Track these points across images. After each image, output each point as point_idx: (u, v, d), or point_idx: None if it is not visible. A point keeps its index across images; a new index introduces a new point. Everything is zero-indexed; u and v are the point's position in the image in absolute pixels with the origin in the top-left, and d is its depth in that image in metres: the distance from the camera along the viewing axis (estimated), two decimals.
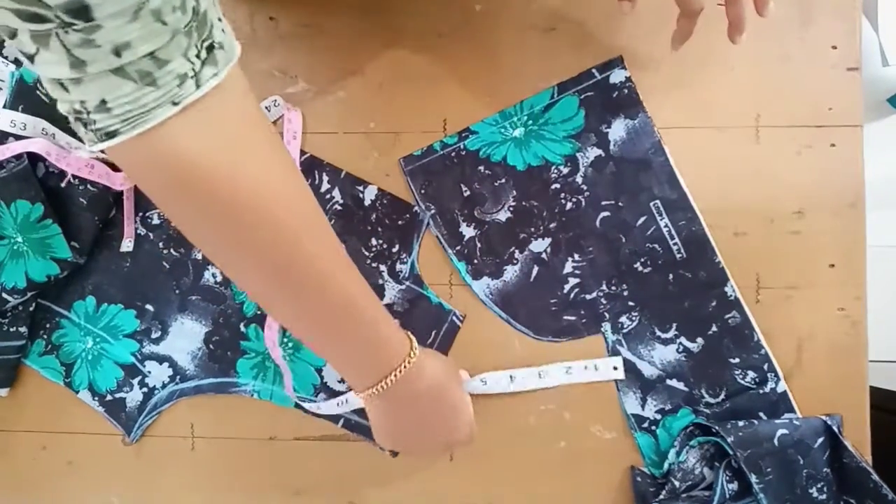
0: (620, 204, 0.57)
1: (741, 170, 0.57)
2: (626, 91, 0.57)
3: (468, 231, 0.58)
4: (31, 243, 0.54)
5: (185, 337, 0.59)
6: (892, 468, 0.55)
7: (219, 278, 0.59)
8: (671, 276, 0.57)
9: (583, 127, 0.57)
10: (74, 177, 0.54)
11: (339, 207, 0.58)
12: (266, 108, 0.57)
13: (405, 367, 0.45)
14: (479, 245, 0.58)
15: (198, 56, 0.33)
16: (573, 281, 0.57)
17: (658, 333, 0.57)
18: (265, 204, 0.36)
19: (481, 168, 0.58)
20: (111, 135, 0.32)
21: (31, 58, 0.30)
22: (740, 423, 0.53)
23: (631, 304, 0.57)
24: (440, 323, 0.58)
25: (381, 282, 0.58)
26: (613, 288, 0.57)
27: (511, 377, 0.56)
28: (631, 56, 0.57)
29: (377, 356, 0.45)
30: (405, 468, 0.58)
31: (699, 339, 0.57)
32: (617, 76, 0.57)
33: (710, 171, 0.57)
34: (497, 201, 0.58)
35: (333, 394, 0.58)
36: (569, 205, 0.57)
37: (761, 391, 0.56)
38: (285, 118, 0.57)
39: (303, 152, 0.58)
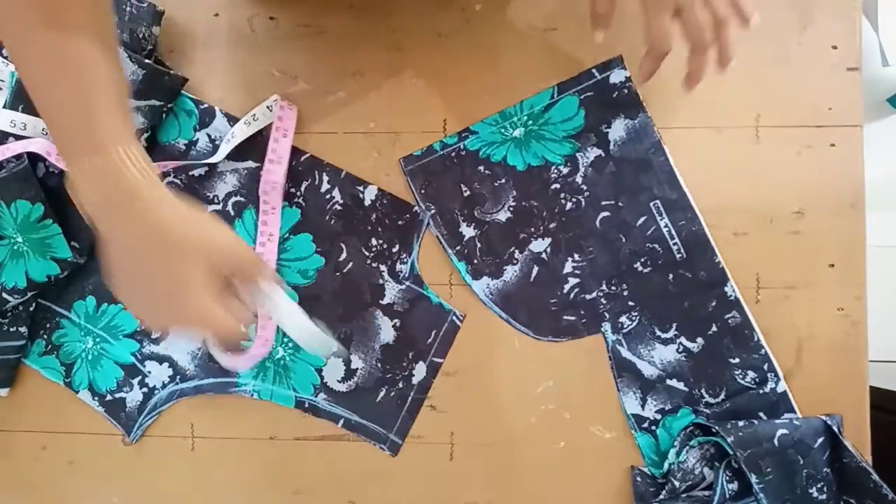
0: (620, 204, 0.57)
1: (741, 170, 0.57)
2: (626, 91, 0.57)
3: (468, 231, 0.58)
4: (32, 243, 0.54)
5: (185, 337, 0.59)
6: (892, 468, 0.55)
7: None
8: (671, 276, 0.57)
9: (583, 127, 0.57)
10: None
11: (339, 207, 0.58)
12: (268, 107, 0.57)
13: (121, 157, 0.35)
14: (479, 245, 0.58)
15: None
16: (573, 281, 0.57)
17: (658, 333, 0.57)
18: None
19: (481, 168, 0.58)
20: None
21: None
22: (740, 423, 0.53)
23: (631, 304, 0.57)
24: (440, 323, 0.58)
25: (381, 281, 0.58)
26: (613, 288, 0.57)
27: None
28: (631, 56, 0.57)
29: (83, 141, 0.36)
30: (405, 468, 0.58)
31: (699, 339, 0.57)
32: (617, 76, 0.57)
33: (710, 171, 0.57)
34: (497, 201, 0.58)
35: (333, 394, 0.58)
36: (569, 205, 0.57)
37: (761, 391, 0.56)
38: (275, 115, 0.57)
39: (303, 152, 0.58)
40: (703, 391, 0.56)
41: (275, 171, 0.57)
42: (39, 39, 0.35)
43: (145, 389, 0.60)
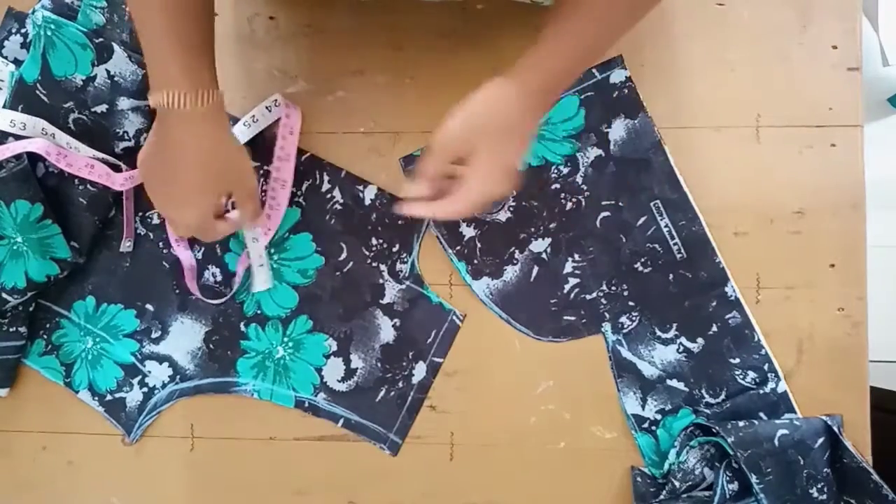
0: (621, 204, 0.57)
1: (741, 170, 0.56)
2: (626, 91, 0.57)
3: (468, 231, 0.58)
4: (31, 243, 0.54)
5: (185, 336, 0.59)
6: (892, 468, 0.55)
7: (219, 278, 0.59)
8: (671, 276, 0.57)
9: (583, 127, 0.57)
10: (74, 177, 0.54)
11: (339, 207, 0.58)
12: (266, 108, 0.57)
13: (168, 100, 0.43)
14: (479, 245, 0.58)
15: None
16: (573, 281, 0.57)
17: (658, 333, 0.57)
18: None
19: None
20: None
21: None
22: (740, 424, 0.53)
23: (631, 304, 0.57)
24: (440, 323, 0.58)
25: (381, 281, 0.58)
26: (613, 288, 0.57)
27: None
28: (631, 56, 0.57)
29: (153, 74, 0.44)
30: (405, 468, 0.58)
31: (699, 340, 0.56)
32: (617, 76, 0.57)
33: (711, 171, 0.57)
34: (497, 201, 0.58)
35: (333, 394, 0.58)
36: (569, 205, 0.57)
37: (761, 391, 0.56)
38: (283, 113, 0.57)
39: (303, 151, 0.58)
40: (703, 391, 0.56)
41: (284, 169, 0.57)
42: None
43: (145, 389, 0.60)
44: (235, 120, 0.58)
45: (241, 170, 0.49)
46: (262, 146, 0.58)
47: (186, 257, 0.58)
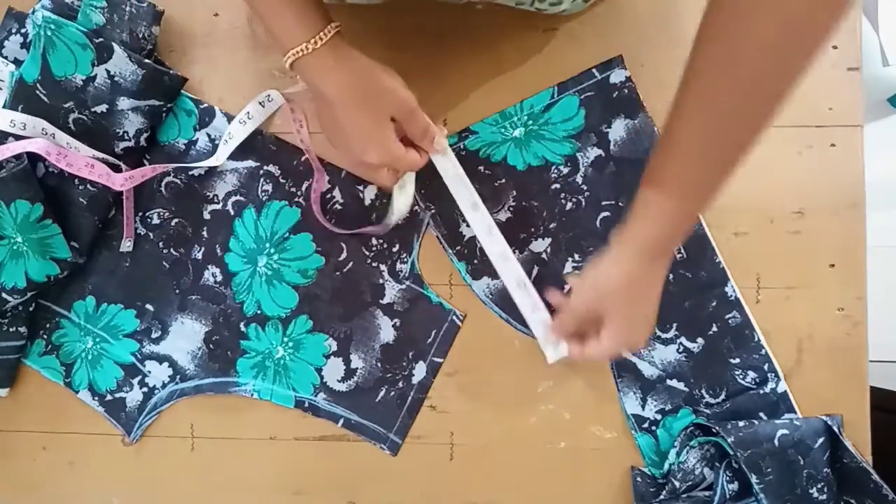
0: (620, 204, 0.57)
1: (741, 169, 0.56)
2: (626, 91, 0.57)
3: (468, 231, 0.58)
4: (31, 243, 0.54)
5: (185, 336, 0.59)
6: (892, 468, 0.55)
7: (219, 278, 0.59)
8: (671, 276, 0.56)
9: (583, 127, 0.57)
10: (74, 177, 0.54)
11: (339, 207, 0.58)
12: (260, 103, 0.57)
13: (295, 56, 0.45)
14: (479, 245, 0.58)
15: None
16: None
17: (658, 333, 0.57)
18: None
19: (481, 168, 0.58)
20: None
21: None
22: (740, 424, 0.53)
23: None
24: (440, 322, 0.58)
25: (381, 281, 0.58)
26: None
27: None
28: (631, 56, 0.57)
29: (276, 33, 0.46)
30: (405, 468, 0.58)
31: (699, 340, 0.56)
32: (617, 76, 0.57)
33: None
34: (497, 201, 0.58)
35: (333, 394, 0.58)
36: (569, 205, 0.57)
37: (761, 391, 0.56)
38: (286, 108, 0.57)
39: (303, 152, 0.58)
40: (703, 391, 0.56)
41: (312, 157, 0.58)
42: None
43: (145, 389, 0.60)
44: (230, 118, 0.58)
45: (390, 89, 0.48)
46: (261, 146, 0.59)
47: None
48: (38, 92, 0.53)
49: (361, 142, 0.48)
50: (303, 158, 0.58)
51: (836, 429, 0.54)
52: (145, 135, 0.57)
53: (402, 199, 0.53)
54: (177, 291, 0.59)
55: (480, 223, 0.54)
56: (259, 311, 0.59)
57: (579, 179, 0.57)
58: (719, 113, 0.39)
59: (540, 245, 0.57)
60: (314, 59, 0.45)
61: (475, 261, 0.58)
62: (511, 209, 0.58)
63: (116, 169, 0.56)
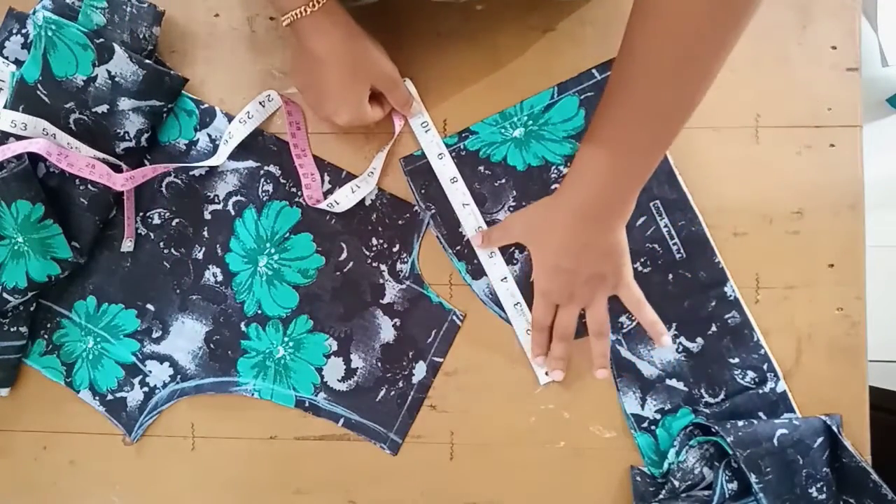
0: None
1: (741, 170, 0.57)
2: None
3: (468, 231, 0.58)
4: (32, 243, 0.54)
5: (186, 336, 0.60)
6: (891, 468, 0.55)
7: (219, 278, 0.59)
8: (671, 276, 0.57)
9: (583, 127, 0.57)
10: (75, 177, 0.54)
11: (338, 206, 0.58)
12: (260, 103, 0.57)
13: (292, 17, 0.48)
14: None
15: None
16: None
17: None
18: None
19: (481, 168, 0.58)
20: None
21: None
22: (740, 423, 0.53)
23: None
24: (440, 322, 0.58)
25: (381, 281, 0.58)
26: None
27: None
28: None
29: (277, 5, 0.49)
30: (405, 468, 0.58)
31: (699, 339, 0.57)
32: None
33: (710, 171, 0.57)
34: (497, 201, 0.58)
35: (333, 393, 0.59)
36: None
37: (761, 391, 0.56)
38: (284, 110, 0.57)
39: None
40: (702, 391, 0.57)
41: (306, 164, 0.58)
42: None
43: (146, 389, 0.60)
44: (231, 118, 0.58)
45: (376, 59, 0.52)
46: (262, 146, 0.59)
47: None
48: (38, 92, 0.53)
49: (336, 102, 0.52)
50: (296, 163, 0.58)
51: (835, 428, 0.54)
52: (146, 135, 0.57)
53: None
54: (177, 291, 0.60)
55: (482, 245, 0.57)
56: (259, 311, 0.59)
57: None
58: (656, 82, 0.42)
59: None
60: (310, 21, 0.48)
61: (475, 261, 0.58)
62: (511, 209, 0.58)
63: (117, 169, 0.56)
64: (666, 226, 0.57)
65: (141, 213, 0.60)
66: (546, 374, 0.57)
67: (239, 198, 0.59)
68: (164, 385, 0.60)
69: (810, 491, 0.52)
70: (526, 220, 0.53)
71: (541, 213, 0.52)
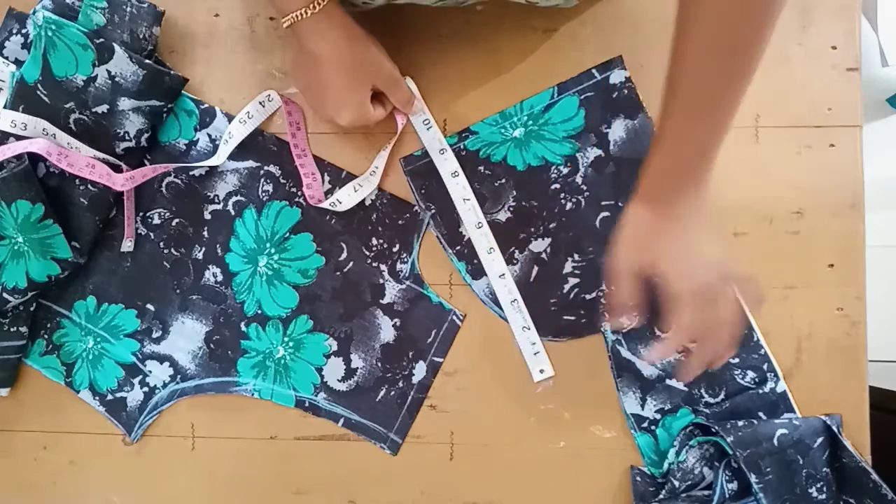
0: (620, 204, 0.57)
1: (741, 170, 0.57)
2: (626, 91, 0.57)
3: (468, 231, 0.58)
4: (32, 243, 0.54)
5: (186, 336, 0.60)
6: (891, 468, 0.55)
7: (219, 278, 0.59)
8: None
9: (583, 127, 0.57)
10: (75, 177, 0.54)
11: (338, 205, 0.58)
12: (260, 103, 0.57)
13: (293, 19, 0.48)
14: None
15: None
16: (573, 281, 0.57)
17: (658, 333, 0.57)
18: None
19: (481, 168, 0.58)
20: None
21: None
22: (740, 423, 0.53)
23: (630, 303, 0.57)
24: (440, 322, 0.58)
25: (381, 281, 0.58)
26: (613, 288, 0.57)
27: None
28: (631, 56, 0.57)
29: (278, 8, 0.49)
30: (405, 468, 0.58)
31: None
32: (617, 76, 0.57)
33: None
34: (497, 201, 0.58)
35: (333, 393, 0.59)
36: (569, 205, 0.57)
37: (761, 391, 0.56)
38: (284, 111, 0.57)
39: None
40: (702, 391, 0.57)
41: (307, 164, 0.58)
42: None
43: (146, 389, 0.60)
44: (231, 118, 0.58)
45: (377, 59, 0.52)
46: (262, 146, 0.59)
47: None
48: (38, 92, 0.53)
49: (337, 103, 0.52)
50: (297, 163, 0.58)
51: (835, 428, 0.54)
52: (146, 135, 0.57)
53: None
54: (177, 291, 0.60)
55: (482, 240, 0.57)
56: (259, 311, 0.59)
57: (579, 180, 0.57)
58: (706, 82, 0.44)
59: (540, 245, 0.57)
60: (311, 23, 0.48)
61: (475, 261, 0.58)
62: (511, 209, 0.58)
63: (117, 169, 0.56)
64: None
65: (141, 213, 0.60)
66: (540, 371, 0.57)
67: (239, 198, 0.59)
68: (164, 385, 0.60)
69: (810, 491, 0.52)
70: (626, 242, 0.49)
71: (627, 230, 0.49)
